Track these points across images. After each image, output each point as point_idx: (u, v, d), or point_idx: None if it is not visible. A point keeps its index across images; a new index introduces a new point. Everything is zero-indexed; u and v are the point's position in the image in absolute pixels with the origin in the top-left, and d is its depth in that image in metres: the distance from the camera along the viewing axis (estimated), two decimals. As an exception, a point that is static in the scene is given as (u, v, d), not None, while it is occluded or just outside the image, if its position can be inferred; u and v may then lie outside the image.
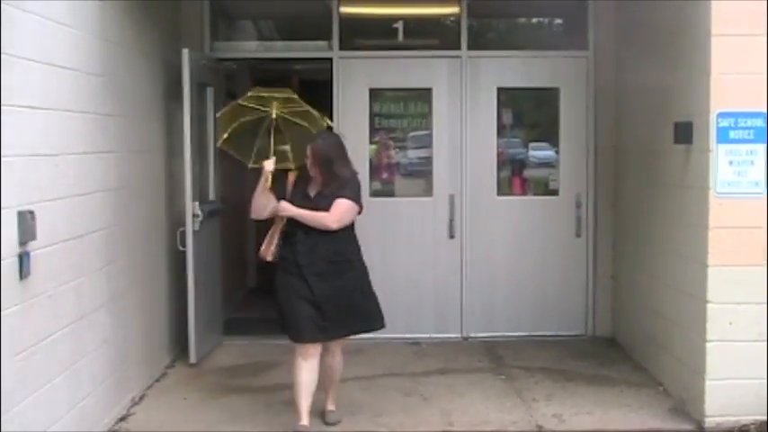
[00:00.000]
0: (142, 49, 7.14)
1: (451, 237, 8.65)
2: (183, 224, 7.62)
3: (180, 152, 7.68)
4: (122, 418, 6.38)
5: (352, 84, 8.57)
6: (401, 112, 8.80)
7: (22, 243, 4.76)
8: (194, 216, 7.59)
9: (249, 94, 6.35)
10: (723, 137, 6.00)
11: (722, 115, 5.99)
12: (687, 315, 6.38)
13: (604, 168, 8.59)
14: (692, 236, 6.25)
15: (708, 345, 6.05)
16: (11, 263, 4.66)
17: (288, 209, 5.88)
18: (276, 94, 6.21)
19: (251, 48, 9.19)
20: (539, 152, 9.14)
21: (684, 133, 6.36)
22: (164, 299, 7.70)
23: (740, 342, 6.03)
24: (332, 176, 5.84)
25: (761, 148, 6.00)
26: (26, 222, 4.77)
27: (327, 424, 6.19)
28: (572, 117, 8.66)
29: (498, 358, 8.00)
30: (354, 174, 6.02)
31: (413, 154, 8.96)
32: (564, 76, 8.63)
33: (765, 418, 5.99)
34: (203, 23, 8.51)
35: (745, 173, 6.01)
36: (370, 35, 8.78)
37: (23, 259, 4.76)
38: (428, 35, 8.79)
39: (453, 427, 6.23)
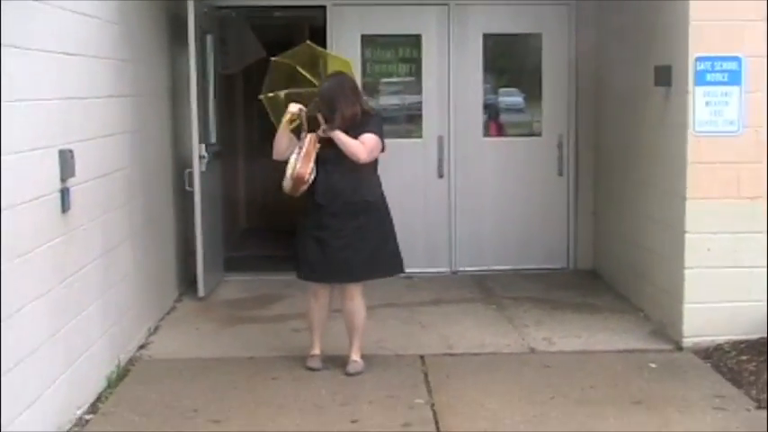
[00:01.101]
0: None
1: (440, 176, 9.11)
2: (190, 165, 8.02)
3: (183, 96, 8.10)
4: (142, 346, 6.80)
5: (344, 31, 8.94)
6: (392, 58, 9.20)
7: (63, 179, 5.15)
8: (201, 157, 7.98)
9: (304, 49, 6.66)
10: (701, 79, 6.46)
11: (700, 59, 6.44)
12: (667, 245, 6.89)
13: (585, 111, 9.06)
14: (672, 171, 6.74)
15: (686, 272, 6.55)
16: (54, 197, 5.06)
17: (330, 127, 5.91)
18: (331, 66, 6.46)
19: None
20: (507, 98, 9.59)
21: (664, 76, 6.83)
22: (172, 236, 8.13)
23: (716, 269, 6.55)
24: (338, 115, 5.90)
25: (735, 89, 6.47)
26: (67, 160, 5.16)
27: (348, 374, 6.12)
28: (554, 62, 9.10)
29: (487, 290, 8.51)
30: (371, 111, 6.23)
31: (403, 98, 9.36)
32: (547, 23, 9.07)
33: (737, 337, 6.52)
34: (201, -28, 8.83)
35: (720, 113, 6.48)
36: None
37: (65, 194, 5.16)
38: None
39: (453, 349, 6.72)
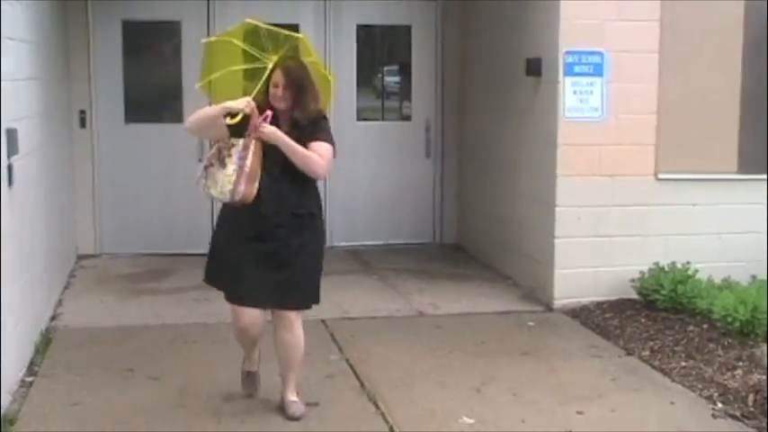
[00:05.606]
0: None
1: (317, 158, 9.71)
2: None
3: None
4: (54, 317, 7.14)
5: (228, 22, 9.36)
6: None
7: (9, 156, 5.51)
8: None
9: (248, 25, 5.24)
10: (569, 71, 7.33)
11: (569, 53, 7.31)
12: (537, 218, 7.73)
13: (450, 98, 9.87)
14: (543, 152, 7.58)
15: (556, 241, 7.43)
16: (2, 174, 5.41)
17: (274, 132, 4.84)
18: (282, 38, 5.14)
19: None
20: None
21: (535, 67, 7.66)
22: (69, 212, 8.49)
23: (581, 238, 7.45)
24: (302, 107, 4.92)
25: (598, 80, 7.37)
26: (12, 138, 5.51)
27: (291, 418, 5.19)
28: (423, 53, 9.88)
29: (365, 262, 9.21)
30: (321, 112, 5.07)
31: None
32: (416, 16, 9.84)
33: (600, 299, 7.44)
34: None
35: (586, 100, 7.37)
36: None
37: (10, 170, 5.51)
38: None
39: (349, 314, 7.37)
